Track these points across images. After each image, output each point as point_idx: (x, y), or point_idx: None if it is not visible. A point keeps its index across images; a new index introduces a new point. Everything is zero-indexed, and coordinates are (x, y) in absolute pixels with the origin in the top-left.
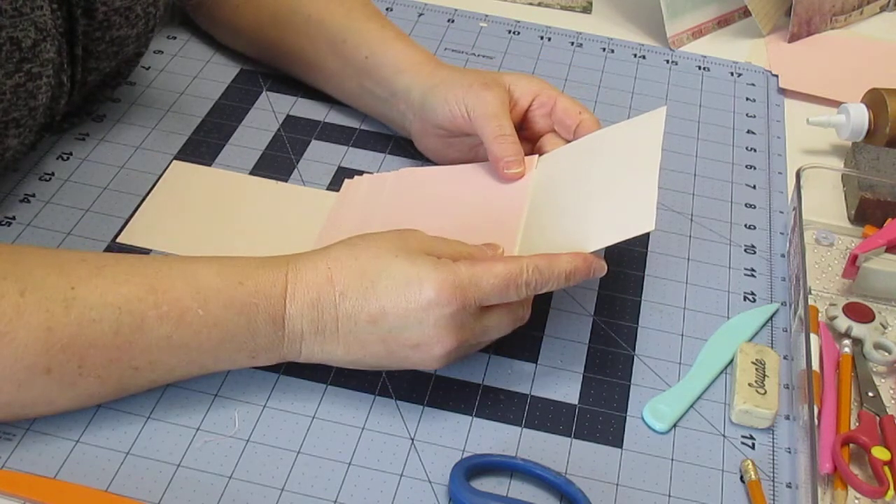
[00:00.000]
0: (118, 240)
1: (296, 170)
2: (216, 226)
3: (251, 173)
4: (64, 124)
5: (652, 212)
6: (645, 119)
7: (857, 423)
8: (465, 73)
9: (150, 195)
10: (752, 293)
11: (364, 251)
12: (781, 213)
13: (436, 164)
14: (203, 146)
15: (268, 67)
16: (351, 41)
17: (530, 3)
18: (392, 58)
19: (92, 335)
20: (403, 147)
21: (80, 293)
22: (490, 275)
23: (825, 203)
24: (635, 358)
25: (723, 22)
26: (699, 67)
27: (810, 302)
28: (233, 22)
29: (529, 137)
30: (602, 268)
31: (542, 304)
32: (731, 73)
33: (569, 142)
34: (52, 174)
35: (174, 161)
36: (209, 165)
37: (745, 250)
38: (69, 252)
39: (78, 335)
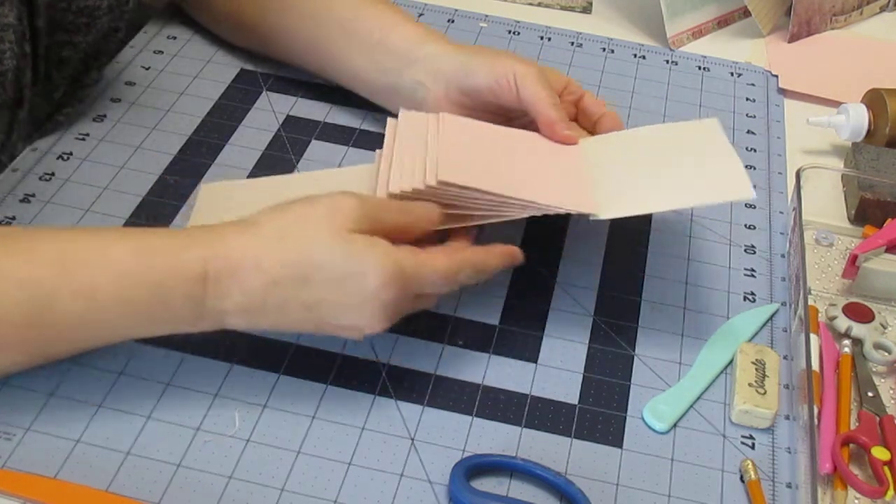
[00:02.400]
0: None
1: (296, 170)
2: None
3: (251, 173)
4: (58, 116)
5: (748, 181)
6: (696, 123)
7: (857, 423)
8: (499, 50)
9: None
10: (752, 293)
11: (294, 233)
12: (781, 213)
13: None
14: (203, 146)
15: (268, 67)
16: (362, 18)
17: (530, 3)
18: (410, 31)
19: (4, 310)
20: None
21: None
22: (431, 269)
23: (825, 203)
24: (635, 358)
25: (723, 22)
26: (699, 67)
27: (810, 302)
28: (234, 15)
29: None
30: (520, 257)
31: (541, 305)
32: (731, 73)
33: (590, 133)
34: (52, 174)
35: (202, 185)
36: (209, 165)
37: (745, 250)
38: None
39: None
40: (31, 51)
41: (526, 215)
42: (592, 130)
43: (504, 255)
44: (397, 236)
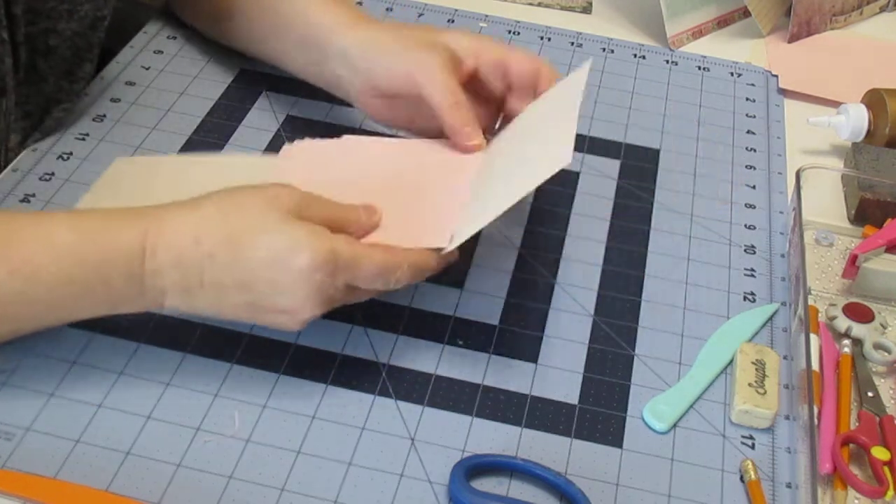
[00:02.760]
0: None
1: None
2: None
3: None
4: (56, 112)
5: (569, 147)
6: (571, 76)
7: (857, 423)
8: (401, 32)
9: (90, 190)
10: (752, 293)
11: (235, 213)
12: (781, 213)
13: (384, 125)
14: (203, 146)
15: (268, 67)
16: (291, 3)
17: (530, 3)
18: (328, 19)
19: None
20: None
21: None
22: (368, 261)
23: (825, 203)
24: (635, 358)
25: (723, 22)
26: (699, 67)
27: (810, 302)
28: (212, 9)
29: (487, 100)
30: (455, 256)
31: (541, 305)
32: (731, 74)
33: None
34: (52, 174)
35: (117, 158)
36: None
37: (745, 250)
38: None
39: None
40: (10, 38)
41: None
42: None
43: (443, 257)
44: (336, 229)
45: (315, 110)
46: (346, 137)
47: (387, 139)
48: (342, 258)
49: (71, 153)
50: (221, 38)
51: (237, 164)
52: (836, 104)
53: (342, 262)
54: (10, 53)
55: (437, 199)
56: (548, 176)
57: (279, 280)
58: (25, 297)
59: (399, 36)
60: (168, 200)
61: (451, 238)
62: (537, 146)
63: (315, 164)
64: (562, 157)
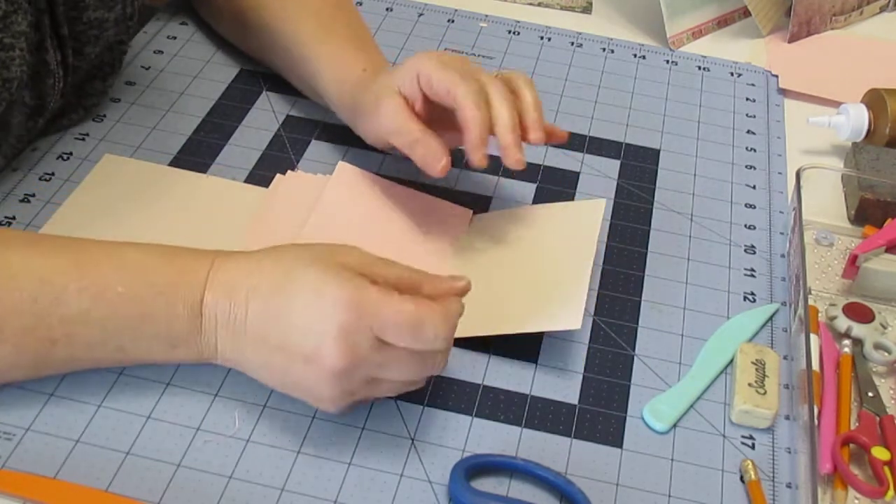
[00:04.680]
0: (41, 231)
1: (297, 169)
2: (141, 221)
3: (251, 173)
4: (63, 121)
5: (580, 311)
6: (584, 207)
7: (857, 423)
8: (368, 90)
9: (79, 188)
10: (752, 293)
11: (288, 255)
12: (781, 213)
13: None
14: (203, 146)
15: (268, 67)
16: (295, 51)
17: (530, 3)
18: (324, 72)
19: (11, 301)
20: None
21: (5, 259)
22: (394, 309)
23: (825, 203)
24: (635, 358)
25: (723, 22)
26: (699, 67)
27: (810, 302)
28: (237, 16)
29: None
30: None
31: None
32: (731, 73)
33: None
34: (52, 174)
35: (106, 154)
36: (209, 165)
37: (745, 250)
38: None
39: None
40: (62, 59)
41: None
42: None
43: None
44: (404, 290)
45: (315, 110)
46: (338, 171)
47: (381, 180)
48: (366, 300)
49: (71, 153)
50: (250, 50)
51: (225, 188)
52: (836, 104)
53: (366, 303)
54: (56, 78)
55: (422, 258)
56: (551, 329)
57: (306, 317)
58: (89, 317)
59: (364, 98)
60: (154, 208)
61: None
62: (547, 290)
63: (301, 199)
64: (571, 320)
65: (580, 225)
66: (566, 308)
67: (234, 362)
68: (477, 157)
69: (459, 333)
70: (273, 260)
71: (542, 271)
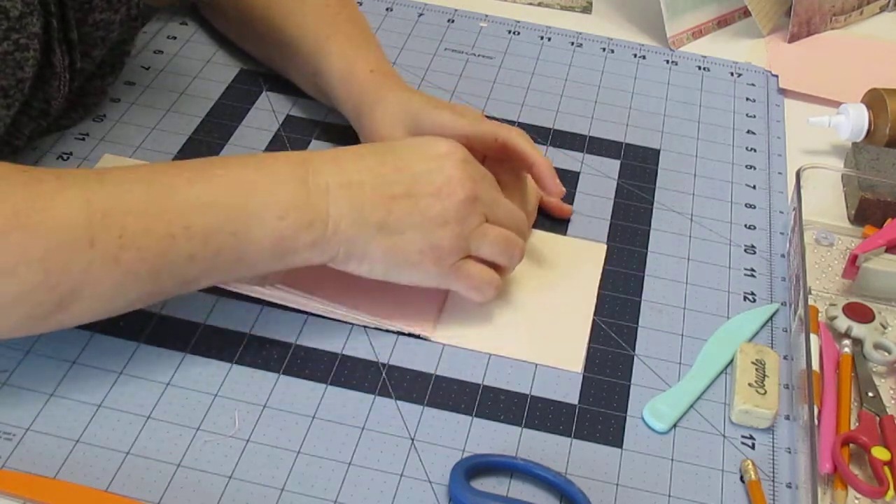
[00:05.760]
0: None
1: None
2: None
3: None
4: (63, 121)
5: (581, 355)
6: (587, 249)
7: (857, 423)
8: (376, 93)
9: None
10: (752, 293)
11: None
12: (781, 213)
13: None
14: (203, 146)
15: (268, 67)
16: (300, 47)
17: (530, 3)
18: (332, 70)
19: (127, 202)
20: None
21: (110, 175)
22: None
23: (825, 203)
24: (635, 358)
25: (723, 22)
26: (699, 67)
27: (810, 302)
28: (244, 22)
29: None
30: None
31: None
32: (731, 73)
33: None
34: None
35: (105, 155)
36: None
37: (745, 250)
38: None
39: (115, 204)
40: (70, 63)
41: (357, 323)
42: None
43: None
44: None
45: (315, 110)
46: None
47: None
48: (476, 165)
49: (71, 153)
50: (256, 54)
51: None
52: (836, 104)
53: (478, 168)
54: (62, 80)
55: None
56: (552, 364)
57: (426, 158)
58: (201, 201)
59: (383, 116)
60: None
61: (434, 330)
62: (549, 326)
63: None
64: (572, 362)
65: (583, 265)
66: (568, 350)
67: (347, 230)
68: (557, 190)
69: (461, 343)
70: (373, 145)
71: (544, 303)
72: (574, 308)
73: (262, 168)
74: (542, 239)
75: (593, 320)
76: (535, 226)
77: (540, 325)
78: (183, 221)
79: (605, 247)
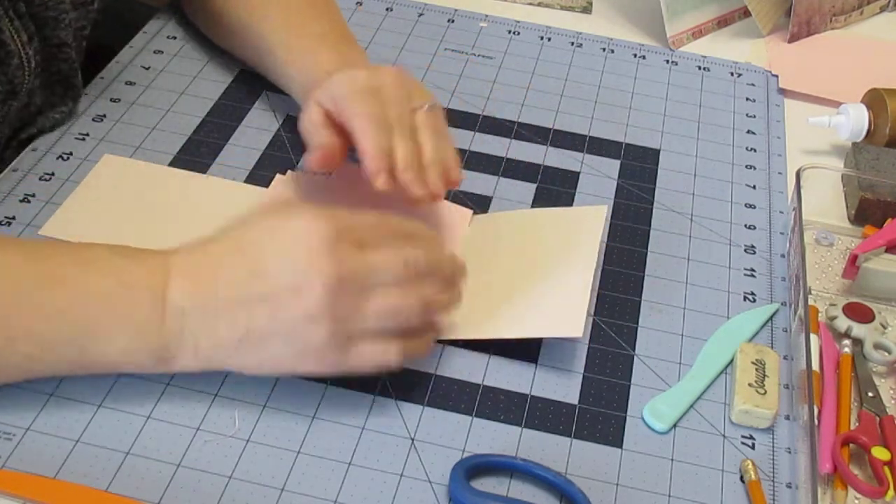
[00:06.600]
0: (41, 231)
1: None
2: (142, 223)
3: (251, 173)
4: (53, 114)
5: (581, 319)
6: (586, 213)
7: (857, 423)
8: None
9: (78, 188)
10: (752, 293)
11: (240, 221)
12: (781, 213)
13: None
14: (203, 146)
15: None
16: (263, 47)
17: (530, 3)
18: (290, 73)
19: None
20: None
21: None
22: (368, 219)
23: (825, 203)
24: (635, 358)
25: (723, 22)
26: (699, 67)
27: (810, 302)
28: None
29: None
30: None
31: None
32: (731, 73)
33: None
34: (52, 174)
35: (105, 155)
36: (209, 165)
37: (745, 250)
38: None
39: None
40: (27, 40)
41: None
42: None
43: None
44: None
45: None
46: (341, 168)
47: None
48: (335, 215)
49: (71, 153)
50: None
51: (224, 188)
52: (836, 104)
53: (339, 216)
54: (19, 56)
55: None
56: (552, 336)
57: (280, 248)
58: (47, 310)
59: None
60: (154, 208)
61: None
62: (549, 297)
63: (301, 199)
64: (573, 328)
65: (582, 231)
66: (568, 316)
67: (202, 350)
68: (379, 183)
69: (459, 336)
70: (227, 231)
71: (543, 277)
72: (572, 274)
73: (122, 283)
74: (540, 214)
75: (594, 320)
76: (533, 205)
77: (538, 299)
78: (24, 324)
79: (604, 208)
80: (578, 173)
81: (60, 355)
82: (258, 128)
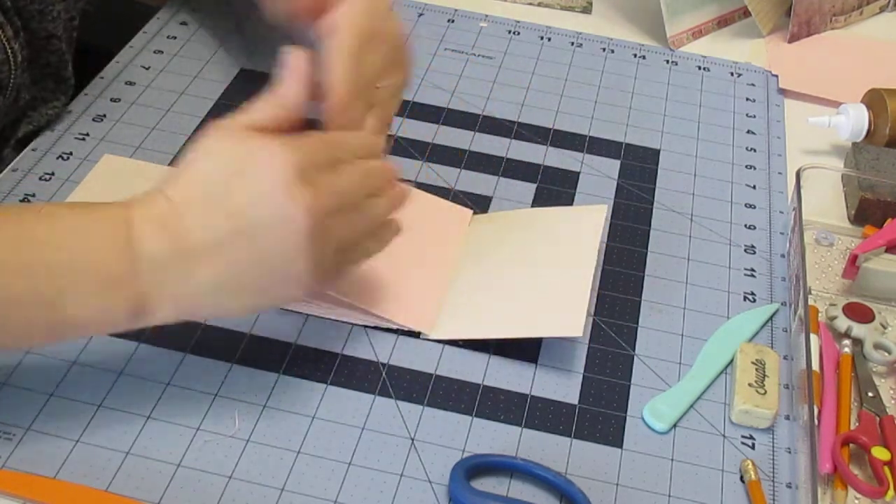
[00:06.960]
0: None
1: None
2: None
3: None
4: (46, 110)
5: (581, 318)
6: (586, 212)
7: (857, 423)
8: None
9: (78, 188)
10: (752, 293)
11: (191, 158)
12: (781, 213)
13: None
14: None
15: (268, 67)
16: None
17: (530, 3)
18: None
19: None
20: (404, 148)
21: None
22: (311, 138)
23: (825, 203)
24: (635, 358)
25: (723, 22)
26: (699, 67)
27: (810, 302)
28: None
29: None
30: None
31: None
32: (731, 73)
33: None
34: (52, 174)
35: (105, 155)
36: None
37: (745, 250)
38: None
39: None
40: (13, 34)
41: (356, 322)
42: None
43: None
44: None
45: (315, 111)
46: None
47: None
48: (297, 141)
49: (71, 153)
50: None
51: None
52: (836, 104)
53: (300, 144)
54: (5, 50)
55: (423, 268)
56: (552, 335)
57: (252, 181)
58: (10, 266)
59: None
60: None
61: (433, 326)
62: (549, 296)
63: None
64: (573, 327)
65: (582, 231)
66: (568, 315)
67: (181, 299)
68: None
69: (460, 335)
70: (181, 174)
71: (543, 276)
72: (572, 273)
73: (89, 233)
74: (540, 213)
75: (594, 320)
76: (533, 204)
77: (538, 298)
78: None
79: (604, 208)
80: (578, 173)
81: (31, 316)
82: None
